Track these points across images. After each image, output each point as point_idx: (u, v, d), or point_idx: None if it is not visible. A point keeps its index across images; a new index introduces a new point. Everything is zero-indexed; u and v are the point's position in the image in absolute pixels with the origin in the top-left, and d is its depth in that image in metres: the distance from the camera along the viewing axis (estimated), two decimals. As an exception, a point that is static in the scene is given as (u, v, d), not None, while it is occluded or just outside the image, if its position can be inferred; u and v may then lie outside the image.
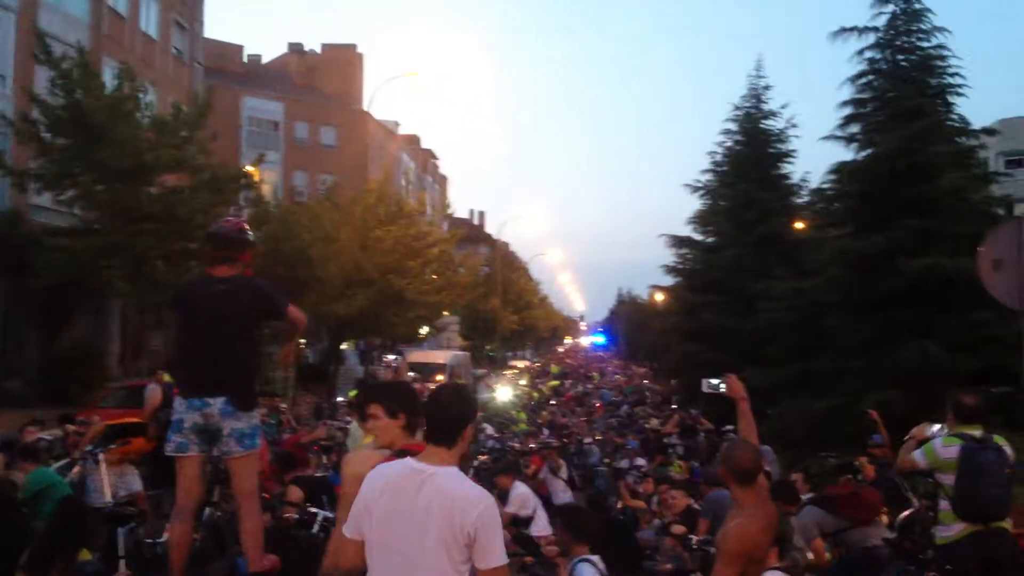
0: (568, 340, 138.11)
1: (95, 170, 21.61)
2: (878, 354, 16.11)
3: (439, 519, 3.69)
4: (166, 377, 11.99)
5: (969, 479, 6.26)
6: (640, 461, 17.42)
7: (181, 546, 5.66)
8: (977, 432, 6.57)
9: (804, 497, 8.90)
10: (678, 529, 8.33)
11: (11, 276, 22.84)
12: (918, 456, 6.58)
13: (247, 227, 6.27)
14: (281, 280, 29.57)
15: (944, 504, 6.44)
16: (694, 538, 7.84)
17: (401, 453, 4.26)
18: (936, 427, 5.74)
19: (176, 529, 5.76)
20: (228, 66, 52.23)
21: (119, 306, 27.10)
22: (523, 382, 43.41)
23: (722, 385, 5.46)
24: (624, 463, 18.00)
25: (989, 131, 19.60)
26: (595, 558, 5.78)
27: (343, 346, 40.48)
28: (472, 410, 4.04)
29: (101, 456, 9.20)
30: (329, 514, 6.80)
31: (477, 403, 4.20)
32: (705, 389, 5.74)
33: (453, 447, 3.87)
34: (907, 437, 7.20)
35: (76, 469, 9.81)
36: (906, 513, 8.43)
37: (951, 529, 6.41)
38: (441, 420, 3.89)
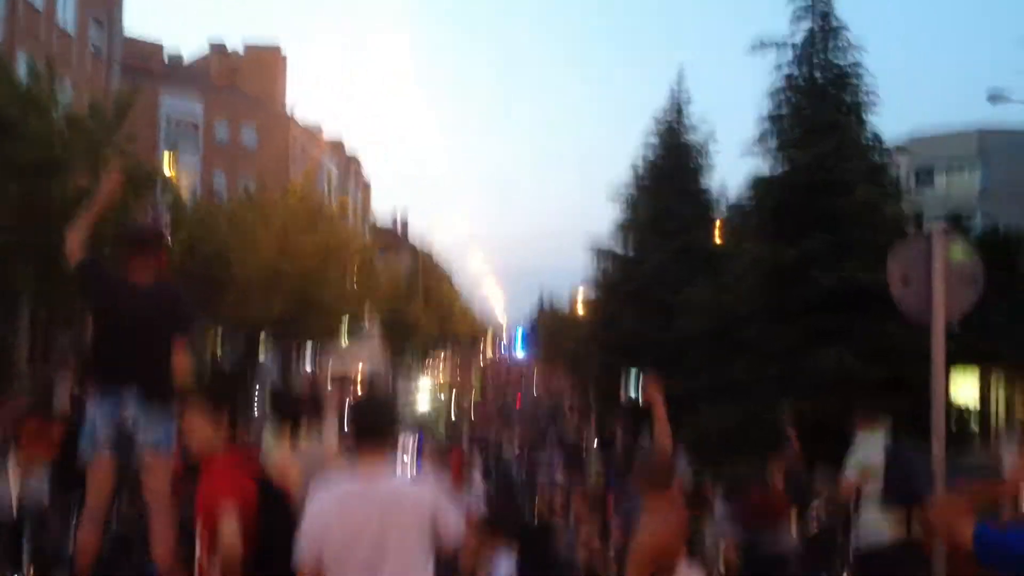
0: (489, 349, 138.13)
1: (5, 166, 21.02)
2: (794, 362, 16.43)
3: (398, 522, 3.84)
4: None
5: (899, 470, 6.45)
6: (558, 476, 17.51)
7: (88, 551, 5.50)
8: (881, 433, 6.81)
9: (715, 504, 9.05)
10: (593, 540, 8.39)
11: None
12: (850, 475, 6.68)
13: (161, 227, 6.14)
14: (198, 280, 29.13)
15: (872, 513, 6.55)
16: (610, 545, 7.90)
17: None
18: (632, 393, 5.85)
19: (84, 534, 5.60)
20: (147, 64, 51.19)
21: (28, 304, 26.39)
22: (441, 394, 43.26)
23: (641, 391, 5.53)
24: (543, 478, 18.07)
25: (900, 149, 20.18)
26: (512, 553, 5.79)
27: (258, 351, 39.97)
28: (399, 415, 4.14)
29: (9, 460, 8.90)
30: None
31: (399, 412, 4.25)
32: (623, 396, 5.79)
33: (387, 452, 4.03)
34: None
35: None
36: (814, 522, 8.61)
37: (880, 535, 6.53)
38: (374, 428, 3.99)
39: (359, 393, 34.33)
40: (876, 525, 6.55)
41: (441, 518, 3.97)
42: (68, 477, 7.86)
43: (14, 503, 8.53)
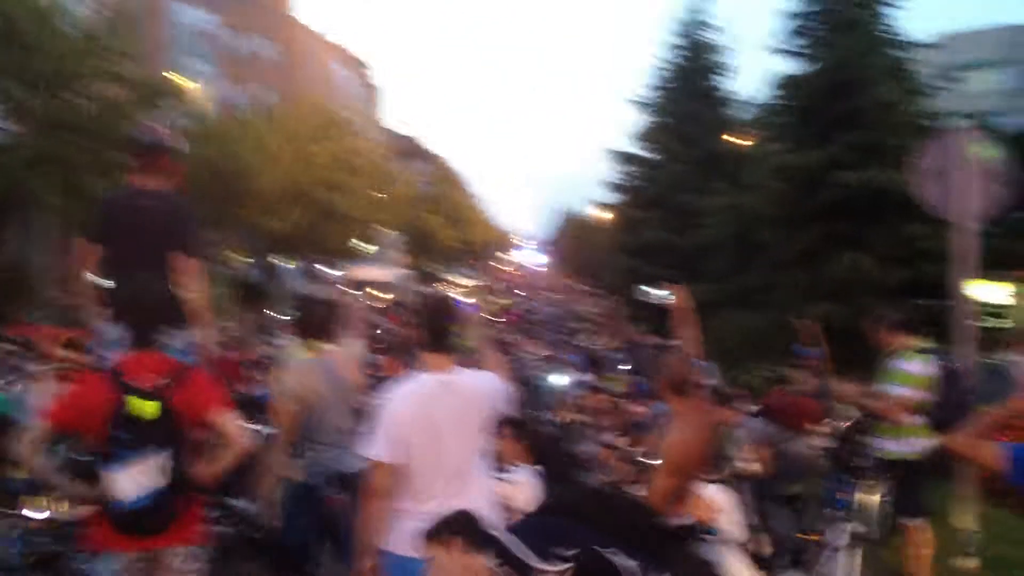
0: (510, 256, 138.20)
1: (22, 81, 20.99)
2: (813, 267, 16.31)
3: (476, 413, 4.17)
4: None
5: (954, 392, 6.36)
6: (586, 376, 17.52)
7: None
8: (924, 344, 6.71)
9: (747, 409, 9.05)
10: (619, 441, 8.40)
11: (-64, 192, 22.14)
12: (904, 391, 6.50)
13: (166, 131, 5.98)
14: (215, 195, 29.09)
15: (916, 419, 6.48)
16: (636, 450, 7.91)
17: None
18: (652, 290, 5.73)
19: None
20: (157, -27, 50.42)
21: (52, 222, 26.47)
22: (471, 301, 43.42)
23: (662, 296, 5.46)
24: (568, 378, 18.06)
25: (929, 46, 19.62)
26: (536, 468, 5.80)
27: (281, 262, 40.08)
28: (458, 315, 4.37)
29: (43, 373, 9.02)
30: (267, 429, 6.69)
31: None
32: (652, 300, 5.74)
33: (452, 351, 4.24)
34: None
35: (17, 387, 9.60)
36: (843, 423, 8.59)
37: (921, 443, 6.47)
38: (439, 329, 4.22)
39: (383, 300, 34.52)
40: (919, 433, 6.48)
41: (504, 410, 4.44)
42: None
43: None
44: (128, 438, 3.87)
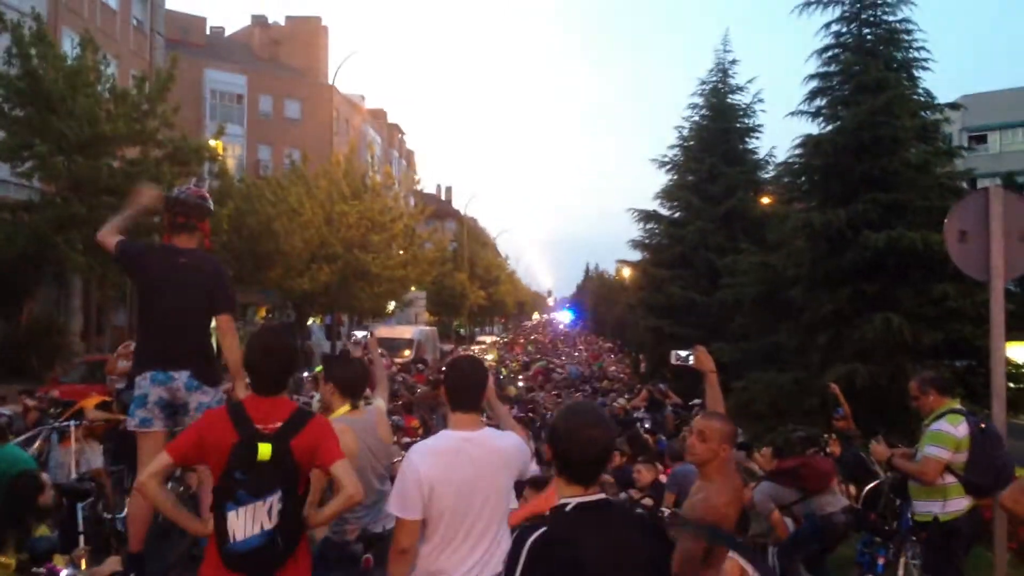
0: (536, 315, 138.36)
1: (53, 141, 21.29)
2: (842, 327, 16.18)
3: (501, 472, 4.15)
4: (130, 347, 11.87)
5: (987, 454, 6.31)
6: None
7: (140, 522, 5.55)
8: (958, 404, 6.66)
9: (759, 472, 8.96)
10: (646, 503, 8.32)
11: (-31, 251, 22.47)
12: (939, 452, 6.43)
13: (207, 195, 6.11)
14: (245, 254, 29.40)
15: (951, 479, 6.43)
16: (664, 511, 7.84)
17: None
18: (684, 352, 5.65)
19: (135, 504, 5.64)
20: (190, 38, 51.55)
21: (80, 281, 26.79)
22: (490, 357, 43.34)
23: (691, 357, 5.42)
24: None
25: (954, 106, 19.64)
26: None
27: (309, 321, 40.28)
28: (487, 376, 4.39)
29: (71, 431, 9.08)
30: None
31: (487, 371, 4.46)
32: (674, 361, 5.68)
33: (479, 410, 4.30)
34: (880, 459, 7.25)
35: (37, 444, 9.66)
36: (871, 485, 8.48)
37: (959, 504, 6.43)
38: (468, 389, 4.24)
39: (409, 359, 34.50)
40: (952, 494, 6.42)
41: (525, 472, 4.46)
42: (123, 448, 7.98)
43: (73, 470, 8.71)
44: (246, 479, 3.86)
